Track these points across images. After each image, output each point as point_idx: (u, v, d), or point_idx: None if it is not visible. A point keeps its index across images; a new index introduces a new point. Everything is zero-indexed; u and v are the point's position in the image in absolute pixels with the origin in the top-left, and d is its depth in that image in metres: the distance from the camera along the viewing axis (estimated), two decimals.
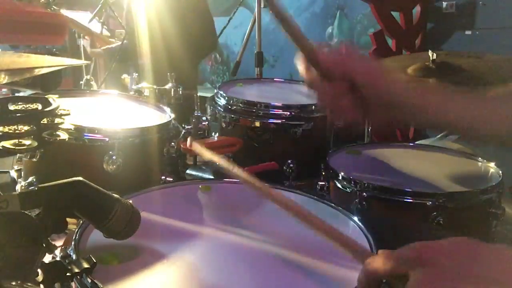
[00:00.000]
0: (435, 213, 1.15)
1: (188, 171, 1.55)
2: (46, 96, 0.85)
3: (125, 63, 2.52)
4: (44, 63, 0.81)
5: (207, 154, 0.94)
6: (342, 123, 0.87)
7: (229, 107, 1.55)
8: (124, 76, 1.96)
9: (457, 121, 0.83)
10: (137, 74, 1.83)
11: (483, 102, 0.84)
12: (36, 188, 0.70)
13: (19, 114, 0.77)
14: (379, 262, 0.61)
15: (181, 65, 2.19)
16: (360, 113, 0.84)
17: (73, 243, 0.80)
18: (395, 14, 3.12)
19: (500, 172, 1.32)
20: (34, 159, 1.16)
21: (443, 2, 3.20)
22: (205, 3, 2.55)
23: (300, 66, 0.86)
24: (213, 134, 1.60)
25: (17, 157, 1.30)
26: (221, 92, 1.60)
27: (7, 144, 0.71)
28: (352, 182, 1.25)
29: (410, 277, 0.57)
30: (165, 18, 2.26)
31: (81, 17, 2.75)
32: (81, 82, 2.12)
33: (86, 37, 2.72)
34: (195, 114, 1.63)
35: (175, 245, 0.85)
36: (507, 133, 0.81)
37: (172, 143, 1.33)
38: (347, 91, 0.82)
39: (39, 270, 0.66)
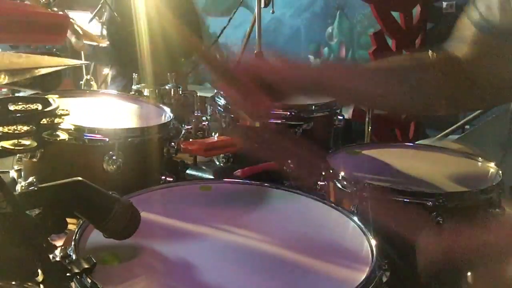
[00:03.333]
0: (435, 213, 1.15)
1: (188, 171, 1.56)
2: (46, 96, 0.85)
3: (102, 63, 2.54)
4: (44, 63, 0.81)
5: None
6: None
7: (229, 107, 1.55)
8: (136, 87, 1.93)
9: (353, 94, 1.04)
10: (137, 74, 1.83)
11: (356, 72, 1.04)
12: (36, 188, 0.70)
13: (19, 114, 0.77)
14: None
15: (162, 63, 2.18)
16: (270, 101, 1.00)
17: (73, 243, 0.80)
18: (395, 14, 3.12)
19: (500, 172, 1.32)
20: (34, 159, 1.16)
21: (443, 2, 3.21)
22: (192, 4, 2.55)
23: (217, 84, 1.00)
24: (213, 134, 1.60)
25: (17, 157, 1.30)
26: (221, 92, 1.60)
27: (7, 144, 0.71)
28: (352, 182, 1.24)
29: None
30: (164, 18, 2.26)
31: (81, 17, 2.75)
32: (81, 82, 2.12)
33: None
34: (195, 114, 1.63)
35: (175, 245, 0.85)
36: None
37: (172, 143, 1.33)
38: (255, 87, 0.96)
39: (39, 270, 0.66)
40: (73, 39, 2.60)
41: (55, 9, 2.17)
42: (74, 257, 0.75)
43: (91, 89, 2.04)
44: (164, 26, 2.19)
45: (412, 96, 1.02)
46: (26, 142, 0.73)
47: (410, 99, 1.03)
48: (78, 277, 0.70)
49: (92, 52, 2.54)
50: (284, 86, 0.99)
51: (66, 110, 0.84)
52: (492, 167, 1.37)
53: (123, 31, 2.41)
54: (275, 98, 1.00)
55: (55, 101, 0.84)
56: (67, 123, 0.83)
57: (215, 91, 1.66)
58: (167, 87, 1.72)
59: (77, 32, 2.46)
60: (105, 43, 2.59)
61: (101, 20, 2.77)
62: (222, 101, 1.58)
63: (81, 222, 0.86)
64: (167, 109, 1.47)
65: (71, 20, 2.40)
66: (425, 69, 1.03)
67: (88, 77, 2.08)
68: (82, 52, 2.65)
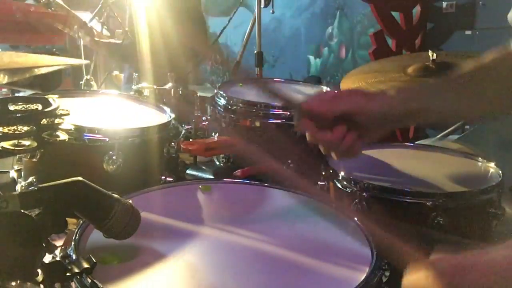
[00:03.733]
0: (435, 213, 1.15)
1: (188, 171, 1.56)
2: (46, 96, 0.85)
3: (124, 63, 2.53)
4: (44, 63, 0.81)
5: None
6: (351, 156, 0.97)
7: (229, 107, 1.55)
8: (116, 73, 1.95)
9: (448, 114, 0.93)
10: (137, 74, 1.83)
11: (458, 85, 0.92)
12: (36, 188, 0.70)
13: (19, 114, 0.77)
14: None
15: (177, 65, 2.19)
16: (362, 141, 0.93)
17: (73, 243, 0.80)
18: (395, 14, 3.12)
19: (500, 172, 1.32)
20: (34, 159, 1.16)
21: (443, 2, 3.21)
22: (199, 6, 2.55)
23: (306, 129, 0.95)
24: (213, 134, 1.60)
25: (17, 157, 1.30)
26: (221, 92, 1.60)
27: (7, 144, 0.71)
28: (352, 182, 1.24)
29: None
30: (164, 19, 2.26)
31: (81, 17, 2.75)
32: (81, 82, 2.12)
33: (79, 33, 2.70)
34: (195, 114, 1.63)
35: (175, 245, 0.85)
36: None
37: (172, 143, 1.33)
38: (345, 129, 0.91)
39: (39, 270, 0.66)
40: (87, 39, 2.59)
41: (53, 9, 2.17)
42: (74, 257, 0.75)
43: (91, 89, 2.04)
44: (166, 26, 2.20)
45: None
46: (26, 142, 0.73)
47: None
48: (78, 277, 0.70)
49: (111, 49, 2.52)
50: (369, 119, 0.91)
51: (66, 110, 0.84)
52: (492, 167, 1.37)
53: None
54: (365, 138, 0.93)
55: (55, 101, 0.84)
56: (67, 123, 0.83)
57: (215, 91, 1.66)
58: (167, 87, 1.72)
59: (91, 32, 2.46)
60: (120, 39, 2.58)
61: (101, 20, 2.77)
62: (222, 101, 1.58)
63: (81, 222, 0.86)
64: (167, 109, 1.47)
65: (83, 20, 2.41)
66: None
67: (88, 77, 2.07)
68: (96, 51, 2.65)
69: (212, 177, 1.50)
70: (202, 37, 2.59)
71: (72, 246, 0.79)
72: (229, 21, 2.95)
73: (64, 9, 2.35)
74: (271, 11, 2.63)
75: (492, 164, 1.38)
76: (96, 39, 2.53)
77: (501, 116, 1.13)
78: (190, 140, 1.53)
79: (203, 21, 2.58)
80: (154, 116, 1.44)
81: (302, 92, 1.81)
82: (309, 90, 1.83)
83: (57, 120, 0.81)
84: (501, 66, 0.92)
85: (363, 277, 0.75)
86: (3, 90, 2.28)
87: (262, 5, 2.58)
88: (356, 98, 0.92)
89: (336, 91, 0.94)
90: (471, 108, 0.92)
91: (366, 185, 1.21)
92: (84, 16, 2.75)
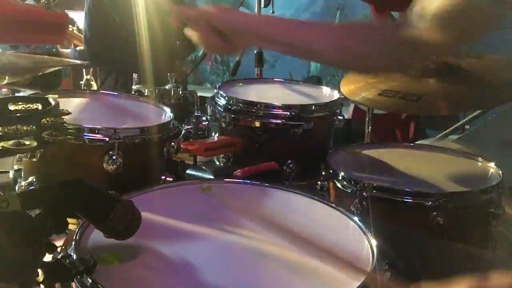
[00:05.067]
0: (435, 213, 1.15)
1: (188, 171, 1.55)
2: (46, 96, 0.85)
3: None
4: (44, 63, 0.81)
5: None
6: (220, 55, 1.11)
7: (229, 107, 1.55)
8: (136, 87, 1.92)
9: (304, 47, 1.04)
10: (137, 74, 1.82)
11: (328, 31, 1.05)
12: (36, 188, 0.70)
13: (19, 114, 0.77)
14: None
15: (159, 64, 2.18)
16: (228, 46, 1.07)
17: (73, 243, 0.80)
18: (395, 14, 3.12)
19: (500, 172, 1.32)
20: (34, 159, 1.16)
21: None
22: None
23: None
24: (213, 134, 1.60)
25: (17, 157, 1.30)
26: (221, 92, 1.60)
27: (7, 144, 0.71)
28: (352, 182, 1.25)
29: None
30: (163, 19, 2.26)
31: (81, 17, 2.75)
32: (81, 82, 2.12)
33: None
34: (195, 114, 1.63)
35: (175, 245, 0.85)
36: (350, 59, 1.02)
37: (172, 143, 1.33)
38: (211, 33, 1.05)
39: (39, 270, 0.66)
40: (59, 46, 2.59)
41: (57, 10, 2.17)
42: (74, 257, 0.75)
43: (91, 89, 2.04)
44: (163, 27, 2.20)
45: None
46: (26, 142, 0.74)
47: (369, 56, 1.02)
48: (78, 277, 0.70)
49: (76, 56, 2.54)
50: (229, 29, 1.05)
51: (66, 110, 0.84)
52: (492, 167, 1.37)
53: (123, 32, 2.40)
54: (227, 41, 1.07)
55: (55, 101, 0.84)
56: (67, 123, 0.83)
57: (215, 91, 1.66)
58: (167, 87, 1.71)
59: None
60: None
61: None
62: (222, 101, 1.58)
63: (81, 222, 0.86)
64: (167, 109, 1.47)
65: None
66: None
67: (88, 77, 2.08)
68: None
69: (212, 177, 1.50)
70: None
71: (73, 246, 0.79)
72: None
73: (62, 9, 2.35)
74: (271, 11, 2.62)
75: (492, 164, 1.38)
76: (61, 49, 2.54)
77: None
78: (190, 140, 1.53)
79: None
80: (154, 116, 1.44)
81: (302, 92, 1.81)
82: (309, 90, 1.83)
83: (57, 120, 0.81)
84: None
85: (363, 277, 0.75)
86: (3, 90, 2.28)
87: (262, 5, 2.58)
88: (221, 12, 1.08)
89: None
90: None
91: (366, 185, 1.21)
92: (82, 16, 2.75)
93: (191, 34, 1.10)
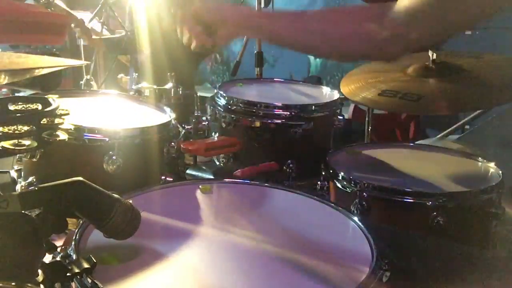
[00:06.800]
0: (435, 213, 1.15)
1: (188, 171, 1.56)
2: (46, 96, 0.85)
3: (125, 56, 2.52)
4: (44, 63, 0.81)
5: None
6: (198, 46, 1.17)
7: (229, 107, 1.55)
8: (121, 75, 1.94)
9: (283, 37, 1.09)
10: (137, 74, 1.83)
11: (301, 21, 1.07)
12: (36, 188, 0.70)
13: (19, 114, 0.77)
14: None
15: (179, 65, 2.19)
16: (210, 38, 1.12)
17: (73, 243, 0.80)
18: None
19: (500, 172, 1.32)
20: (34, 159, 1.16)
21: None
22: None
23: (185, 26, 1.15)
24: (213, 134, 1.60)
25: (17, 157, 1.30)
26: (221, 92, 1.60)
27: (7, 144, 0.71)
28: (352, 182, 1.25)
29: None
30: (165, 18, 2.26)
31: (81, 17, 2.74)
32: (81, 82, 2.12)
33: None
34: (195, 114, 1.63)
35: (175, 245, 0.85)
36: (323, 44, 1.05)
37: (172, 143, 1.33)
38: (197, 26, 1.12)
39: (39, 270, 0.66)
40: (84, 37, 2.58)
41: (53, 9, 2.17)
42: (74, 257, 0.75)
43: (91, 89, 2.03)
44: (164, 26, 2.20)
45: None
46: (26, 142, 0.73)
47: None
48: (78, 277, 0.70)
49: (109, 44, 2.52)
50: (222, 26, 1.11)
51: (66, 110, 0.84)
52: (492, 167, 1.37)
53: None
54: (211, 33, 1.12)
55: (55, 101, 0.84)
56: (67, 123, 0.83)
57: (215, 91, 1.66)
58: (167, 87, 1.71)
59: (88, 31, 2.45)
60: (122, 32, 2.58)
61: (101, 20, 2.76)
62: (222, 101, 1.58)
63: (81, 222, 0.86)
64: (167, 109, 1.47)
65: (80, 19, 2.39)
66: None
67: (88, 77, 2.07)
68: (97, 51, 2.64)
69: (212, 177, 1.50)
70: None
71: (72, 246, 0.79)
72: None
73: (63, 9, 2.34)
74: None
75: (492, 164, 1.38)
76: (94, 37, 2.52)
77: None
78: (190, 140, 1.53)
79: None
80: (154, 116, 1.44)
81: (302, 92, 1.81)
82: (309, 90, 1.83)
83: (57, 120, 0.81)
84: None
85: (363, 277, 0.75)
86: (3, 90, 2.28)
87: (262, 5, 2.58)
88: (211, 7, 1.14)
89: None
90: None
91: (366, 185, 1.21)
92: (84, 16, 2.75)
93: (180, 31, 1.15)
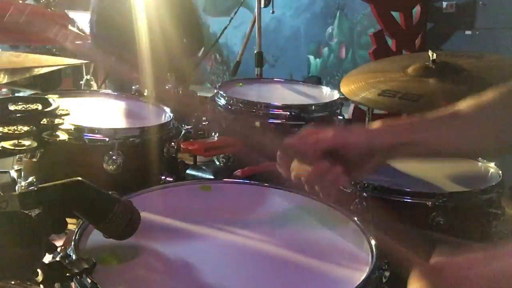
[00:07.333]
0: (435, 213, 1.15)
1: (188, 171, 1.55)
2: (46, 96, 0.85)
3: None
4: (44, 63, 0.81)
5: None
6: (334, 197, 0.96)
7: (229, 107, 1.55)
8: (136, 87, 1.91)
9: (436, 146, 0.89)
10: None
11: (452, 124, 0.90)
12: (36, 188, 0.70)
13: (19, 114, 0.77)
14: None
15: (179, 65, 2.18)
16: (348, 177, 0.90)
17: (73, 243, 0.80)
18: (395, 14, 3.11)
19: (500, 172, 1.32)
20: (34, 159, 1.16)
21: (443, 2, 3.20)
22: (190, 4, 2.53)
23: (283, 169, 0.93)
24: (213, 134, 1.60)
25: (17, 157, 1.30)
26: (221, 92, 1.60)
27: (7, 144, 0.71)
28: (352, 182, 1.24)
29: None
30: (163, 18, 2.25)
31: (81, 17, 2.75)
32: (81, 82, 2.12)
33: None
34: (195, 114, 1.62)
35: (175, 245, 0.85)
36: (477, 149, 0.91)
37: (172, 143, 1.33)
38: (328, 165, 0.87)
39: (39, 270, 0.66)
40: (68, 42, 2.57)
41: (53, 8, 2.17)
42: (74, 257, 0.75)
43: (91, 89, 2.04)
44: (163, 26, 2.19)
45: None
46: (26, 142, 0.74)
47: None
48: (78, 277, 0.70)
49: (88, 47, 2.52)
50: (356, 153, 0.88)
51: (66, 110, 0.84)
52: (492, 167, 1.37)
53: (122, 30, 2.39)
54: (351, 173, 0.90)
55: (55, 101, 0.84)
56: (67, 123, 0.83)
57: (215, 91, 1.66)
58: (167, 87, 1.71)
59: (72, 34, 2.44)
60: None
61: None
62: (222, 101, 1.58)
63: (81, 222, 0.86)
64: (167, 109, 1.47)
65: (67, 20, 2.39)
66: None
67: (88, 77, 2.08)
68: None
69: (212, 177, 1.50)
70: (195, 32, 2.57)
71: (72, 246, 0.79)
72: (230, 21, 2.95)
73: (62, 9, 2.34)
74: (271, 11, 2.63)
75: (492, 164, 1.38)
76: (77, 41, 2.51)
77: (502, 154, 1.10)
78: (190, 140, 1.53)
79: (197, 23, 2.56)
80: (154, 116, 1.44)
81: (302, 92, 1.81)
82: (309, 90, 1.83)
83: (57, 120, 0.81)
84: (501, 106, 0.90)
85: (363, 277, 0.75)
86: (3, 90, 2.28)
87: (262, 5, 2.58)
88: (340, 133, 0.90)
89: (319, 129, 0.92)
90: (467, 146, 0.90)
91: (366, 185, 1.21)
92: (84, 16, 2.75)
93: (293, 168, 0.90)
